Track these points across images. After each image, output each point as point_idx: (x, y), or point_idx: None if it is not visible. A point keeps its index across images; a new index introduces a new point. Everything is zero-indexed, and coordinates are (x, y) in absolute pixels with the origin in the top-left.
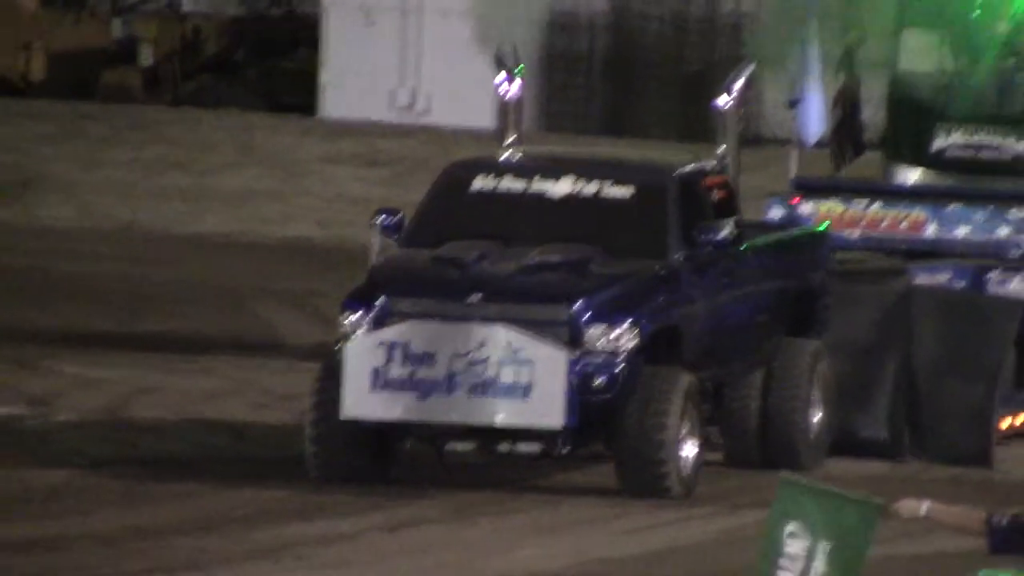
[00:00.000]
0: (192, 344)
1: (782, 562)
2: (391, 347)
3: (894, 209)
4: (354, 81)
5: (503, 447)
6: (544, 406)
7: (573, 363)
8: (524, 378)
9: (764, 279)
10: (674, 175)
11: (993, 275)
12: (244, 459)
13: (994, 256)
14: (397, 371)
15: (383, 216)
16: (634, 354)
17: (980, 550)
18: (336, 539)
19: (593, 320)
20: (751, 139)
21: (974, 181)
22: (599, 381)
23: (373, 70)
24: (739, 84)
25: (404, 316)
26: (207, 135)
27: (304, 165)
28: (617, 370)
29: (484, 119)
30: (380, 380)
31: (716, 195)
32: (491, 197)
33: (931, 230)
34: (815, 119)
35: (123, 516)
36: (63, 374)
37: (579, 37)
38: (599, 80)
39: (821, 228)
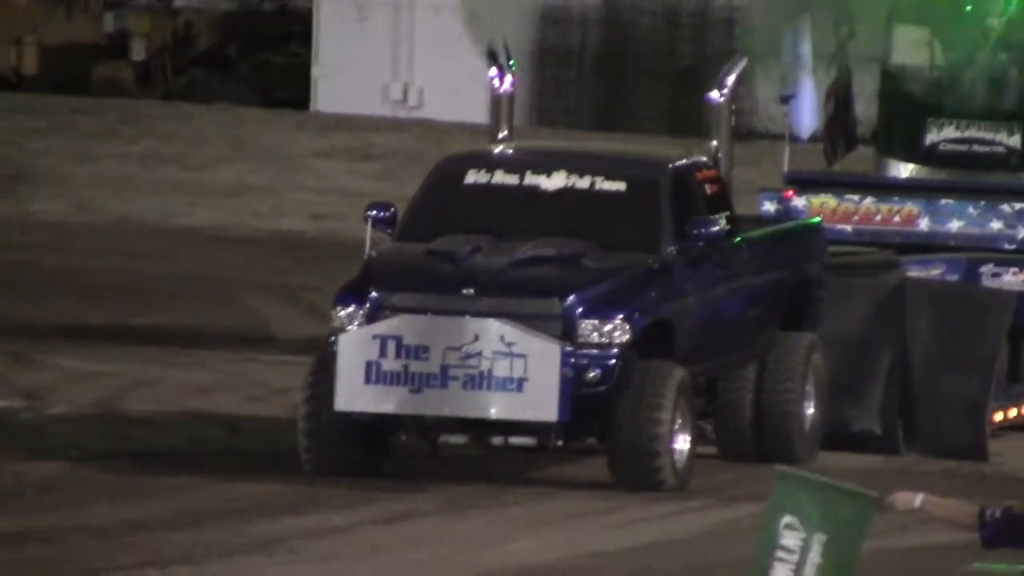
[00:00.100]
0: (185, 338)
1: (779, 554)
2: (384, 340)
3: (887, 203)
4: (346, 75)
5: (496, 440)
6: (537, 399)
7: (566, 356)
8: (517, 371)
9: (758, 272)
10: (667, 169)
11: (986, 268)
12: (237, 452)
13: (987, 249)
14: (390, 364)
15: (375, 210)
16: (627, 348)
17: (974, 543)
18: (329, 532)
19: (586, 314)
20: (744, 134)
21: (967, 175)
22: (592, 374)
23: (365, 64)
24: (731, 79)
25: (397, 310)
26: (199, 129)
27: (297, 159)
28: (610, 363)
29: (477, 113)
30: (373, 373)
31: (709, 189)
32: (484, 191)
33: (924, 224)
34: (807, 114)
35: (116, 509)
36: (57, 367)
37: (571, 31)
38: (591, 75)
39: (815, 221)
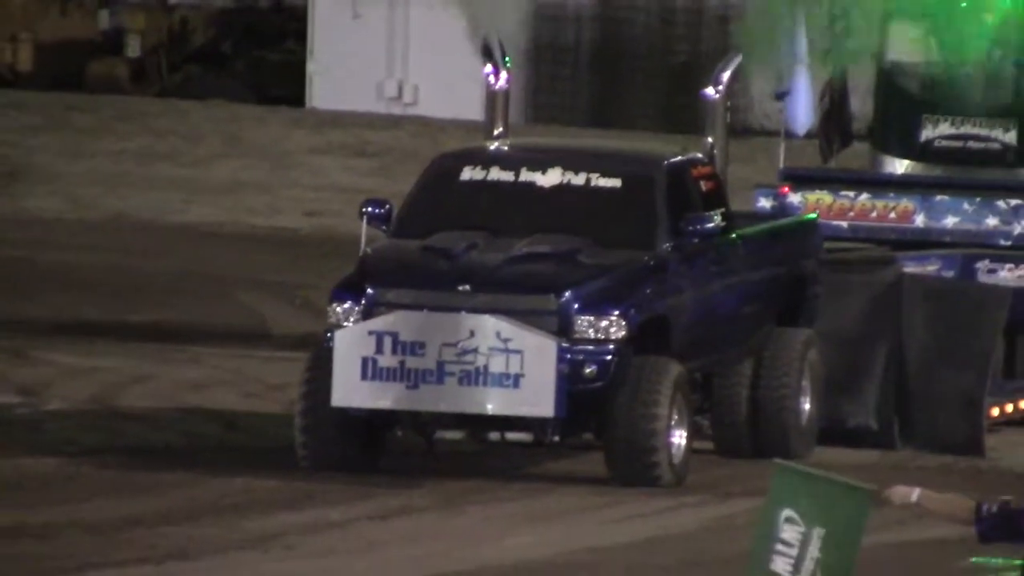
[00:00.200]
0: (181, 334)
1: (778, 547)
2: (380, 337)
3: (883, 200)
4: (342, 72)
5: (493, 436)
6: (534, 395)
7: (563, 352)
8: (514, 367)
9: (753, 268)
10: (663, 166)
11: (982, 264)
12: (234, 448)
13: (983, 245)
14: (386, 361)
15: (371, 207)
16: (623, 344)
17: (970, 538)
18: (326, 528)
19: (582, 310)
20: (739, 130)
21: (962, 172)
22: (589, 370)
23: (361, 61)
24: (727, 75)
25: (393, 306)
26: (195, 126)
27: (292, 156)
28: (607, 359)
29: (472, 110)
30: (370, 369)
31: (704, 186)
32: (480, 188)
33: (920, 220)
34: (803, 110)
35: (113, 505)
36: (52, 363)
37: (566, 28)
38: (586, 71)
39: (811, 217)
